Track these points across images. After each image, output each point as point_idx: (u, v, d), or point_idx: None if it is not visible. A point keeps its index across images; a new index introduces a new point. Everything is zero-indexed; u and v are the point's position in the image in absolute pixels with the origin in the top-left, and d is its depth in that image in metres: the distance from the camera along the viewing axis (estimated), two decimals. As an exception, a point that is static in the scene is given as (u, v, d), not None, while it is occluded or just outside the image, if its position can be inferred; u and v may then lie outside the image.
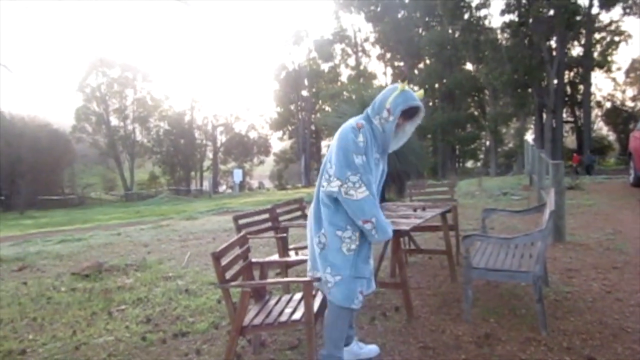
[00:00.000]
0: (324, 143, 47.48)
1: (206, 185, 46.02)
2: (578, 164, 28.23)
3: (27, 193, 33.00)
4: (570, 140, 41.15)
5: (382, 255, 4.31)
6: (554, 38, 31.06)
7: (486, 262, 3.31)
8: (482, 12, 34.21)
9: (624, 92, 44.51)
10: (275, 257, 4.03)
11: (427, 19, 40.85)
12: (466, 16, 33.73)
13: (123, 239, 8.43)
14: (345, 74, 47.53)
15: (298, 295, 2.78)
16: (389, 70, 45.86)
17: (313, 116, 46.87)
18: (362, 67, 46.07)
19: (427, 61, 41.34)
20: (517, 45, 31.43)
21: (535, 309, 3.03)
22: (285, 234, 4.03)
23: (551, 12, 29.47)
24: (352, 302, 2.42)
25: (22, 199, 31.76)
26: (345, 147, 2.35)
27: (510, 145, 43.69)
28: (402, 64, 43.69)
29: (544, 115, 32.32)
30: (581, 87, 34.86)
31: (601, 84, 76.10)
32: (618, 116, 41.47)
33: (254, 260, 2.96)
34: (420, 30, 41.35)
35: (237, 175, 40.58)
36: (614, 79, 42.43)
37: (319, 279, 2.46)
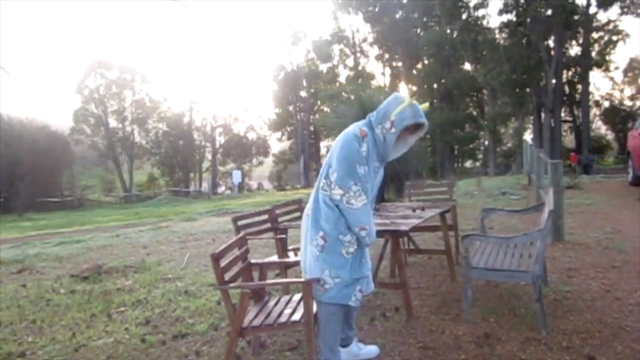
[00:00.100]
0: (322, 144, 47.47)
1: (205, 186, 46.06)
2: (576, 163, 28.24)
3: (26, 195, 32.99)
4: (568, 140, 41.25)
5: (381, 255, 4.30)
6: (552, 38, 31.11)
7: (485, 262, 3.32)
8: (480, 12, 34.31)
9: (622, 91, 44.68)
10: (275, 258, 4.02)
11: (425, 19, 40.93)
12: (464, 16, 33.73)
13: (122, 241, 8.42)
14: (343, 74, 47.57)
15: (297, 296, 2.77)
16: (387, 71, 45.90)
17: (312, 117, 46.89)
18: (360, 68, 46.04)
19: (426, 61, 41.37)
20: (515, 45, 31.46)
21: (535, 308, 3.03)
22: (284, 235, 4.03)
23: (549, 12, 29.51)
24: (349, 299, 2.43)
25: (20, 201, 31.76)
26: (350, 156, 2.35)
27: (509, 145, 43.80)
28: (400, 64, 43.72)
29: (543, 115, 32.33)
30: (579, 86, 34.96)
31: (599, 84, 76.04)
32: (616, 115, 41.53)
33: (253, 261, 2.96)
34: (418, 31, 41.39)
35: (236, 176, 40.57)
36: (612, 78, 42.63)
37: (318, 280, 2.46)
